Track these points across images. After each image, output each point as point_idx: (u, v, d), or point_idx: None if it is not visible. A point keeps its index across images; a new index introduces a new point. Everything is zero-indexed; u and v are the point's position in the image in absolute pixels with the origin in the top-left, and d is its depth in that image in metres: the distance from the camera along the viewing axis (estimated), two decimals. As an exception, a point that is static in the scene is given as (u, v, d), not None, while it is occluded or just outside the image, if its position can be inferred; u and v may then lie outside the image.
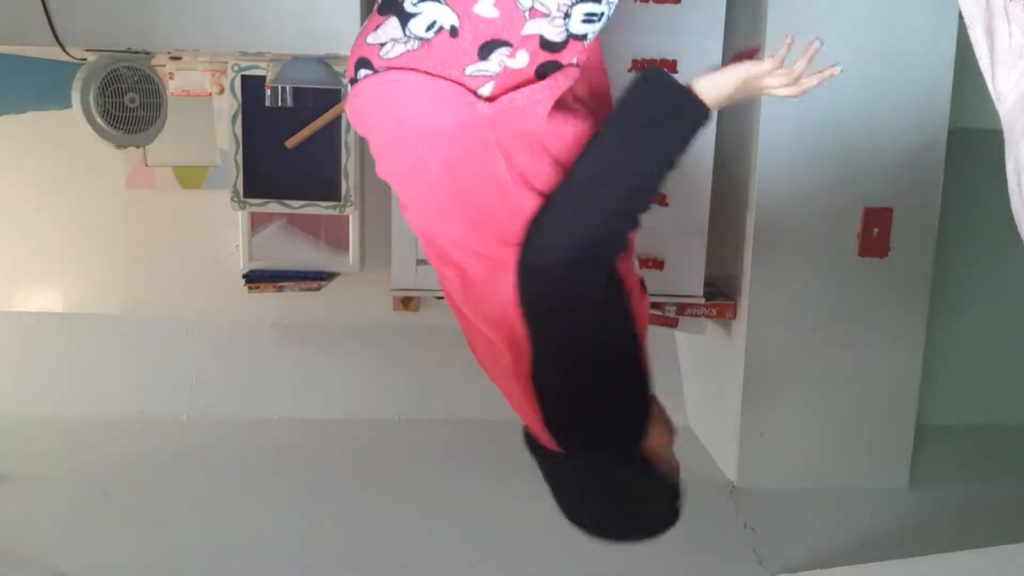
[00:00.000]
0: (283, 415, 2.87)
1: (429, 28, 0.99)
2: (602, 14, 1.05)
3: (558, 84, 1.04)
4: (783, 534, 2.24)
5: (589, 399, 1.08)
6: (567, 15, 1.01)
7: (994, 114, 1.05)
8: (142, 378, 2.88)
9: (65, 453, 2.59)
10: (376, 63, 1.03)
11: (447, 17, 0.98)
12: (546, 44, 1.02)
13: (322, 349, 2.91)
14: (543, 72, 1.03)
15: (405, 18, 1.00)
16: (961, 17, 1.07)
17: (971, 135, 2.44)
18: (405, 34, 1.00)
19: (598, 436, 1.13)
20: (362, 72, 1.05)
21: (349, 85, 1.09)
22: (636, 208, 1.04)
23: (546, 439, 1.14)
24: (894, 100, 2.32)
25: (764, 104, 2.33)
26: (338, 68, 2.41)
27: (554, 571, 2.09)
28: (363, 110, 1.07)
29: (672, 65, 2.34)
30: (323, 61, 2.25)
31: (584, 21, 1.03)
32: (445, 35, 0.99)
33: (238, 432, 2.76)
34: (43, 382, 2.86)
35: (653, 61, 2.33)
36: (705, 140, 2.39)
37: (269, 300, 2.84)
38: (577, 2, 1.01)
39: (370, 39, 1.04)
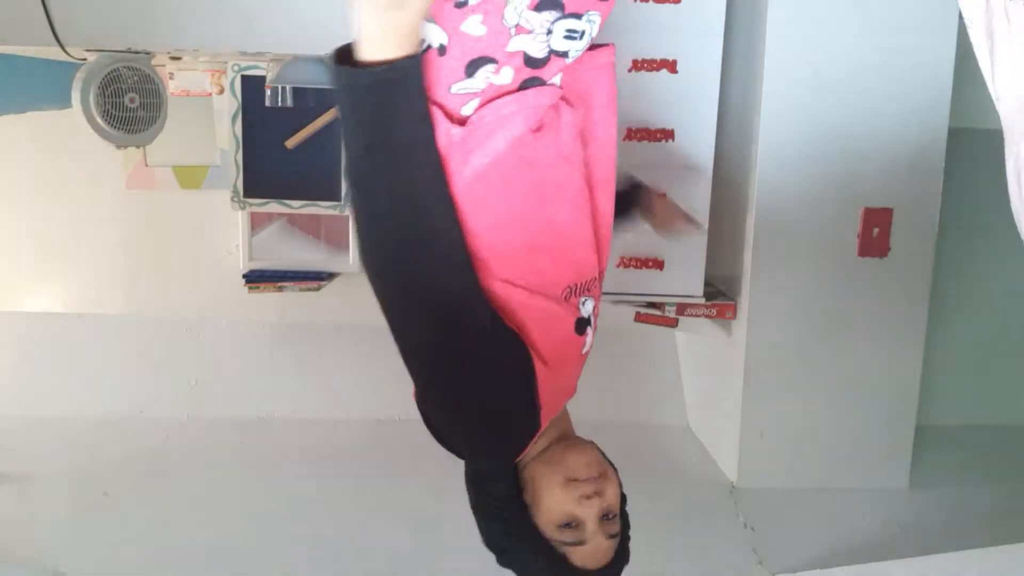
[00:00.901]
0: (283, 415, 2.87)
1: (420, 43, 0.96)
2: (583, 32, 1.05)
3: (526, 100, 1.03)
4: (783, 534, 2.24)
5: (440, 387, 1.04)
6: (549, 31, 1.01)
7: (994, 114, 1.05)
8: (142, 378, 2.88)
9: (65, 453, 2.59)
10: None
11: (436, 36, 0.98)
12: (530, 60, 1.02)
13: (322, 349, 2.91)
14: (526, 89, 1.04)
15: None
16: (961, 17, 1.07)
17: (971, 135, 2.44)
18: None
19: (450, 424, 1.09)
20: None
21: None
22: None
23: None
24: (894, 100, 2.32)
25: (764, 104, 2.33)
26: (338, 68, 2.41)
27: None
28: None
29: (672, 65, 2.34)
30: (323, 61, 2.26)
31: (566, 37, 1.03)
32: (434, 53, 0.98)
33: (238, 432, 2.76)
34: (43, 382, 2.86)
35: (653, 61, 2.34)
36: (705, 140, 2.39)
37: (269, 300, 2.84)
38: (559, 19, 1.01)
39: None
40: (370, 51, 0.86)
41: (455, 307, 0.97)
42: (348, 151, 0.92)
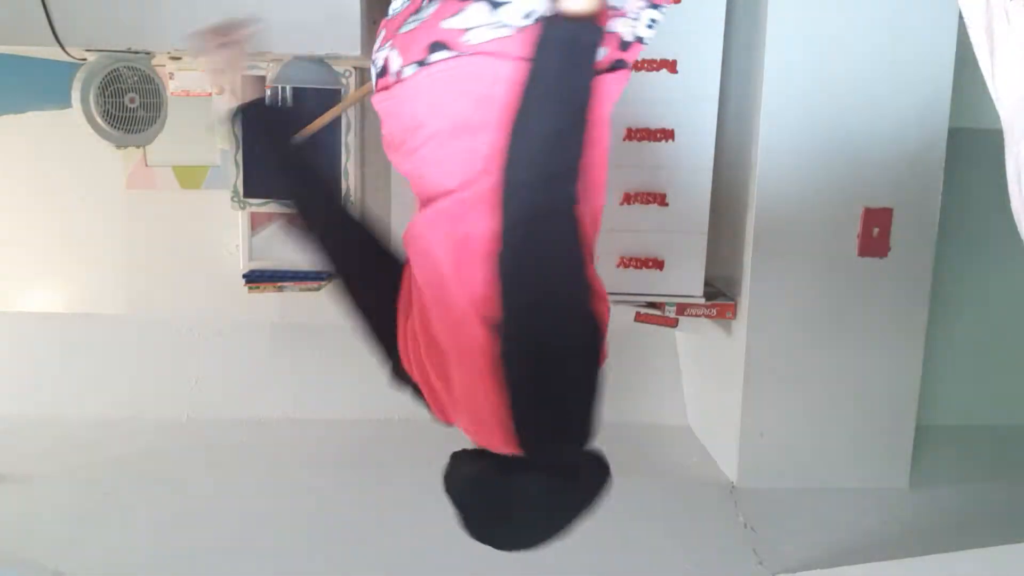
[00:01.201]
0: (283, 415, 2.87)
1: (527, 16, 1.01)
2: (657, 22, 1.13)
3: (618, 83, 1.11)
4: (783, 534, 2.24)
5: (559, 375, 1.02)
6: (637, 17, 1.10)
7: (994, 114, 1.05)
8: (142, 378, 2.88)
9: (65, 453, 2.59)
10: (457, 47, 1.03)
11: (544, 7, 0.99)
12: (622, 43, 1.10)
13: (322, 349, 2.91)
14: (612, 69, 1.10)
15: (495, 4, 1.02)
16: (961, 17, 1.07)
17: (971, 135, 2.44)
18: (496, 20, 1.01)
19: (564, 420, 1.06)
20: (439, 54, 1.04)
21: (414, 67, 1.06)
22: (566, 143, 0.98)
23: (502, 441, 1.07)
24: (894, 100, 2.32)
25: (764, 104, 2.33)
26: (338, 68, 2.42)
27: (553, 570, 2.09)
28: (431, 89, 1.06)
29: (672, 65, 2.34)
30: (323, 61, 2.25)
31: (648, 26, 1.11)
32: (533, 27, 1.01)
33: (238, 432, 2.76)
34: (43, 382, 2.86)
35: (653, 61, 2.34)
36: (705, 140, 2.40)
37: (269, 300, 2.84)
38: (647, 7, 1.10)
39: (447, 24, 1.04)
40: (583, 7, 0.92)
41: (579, 288, 1.01)
42: (547, 103, 0.94)
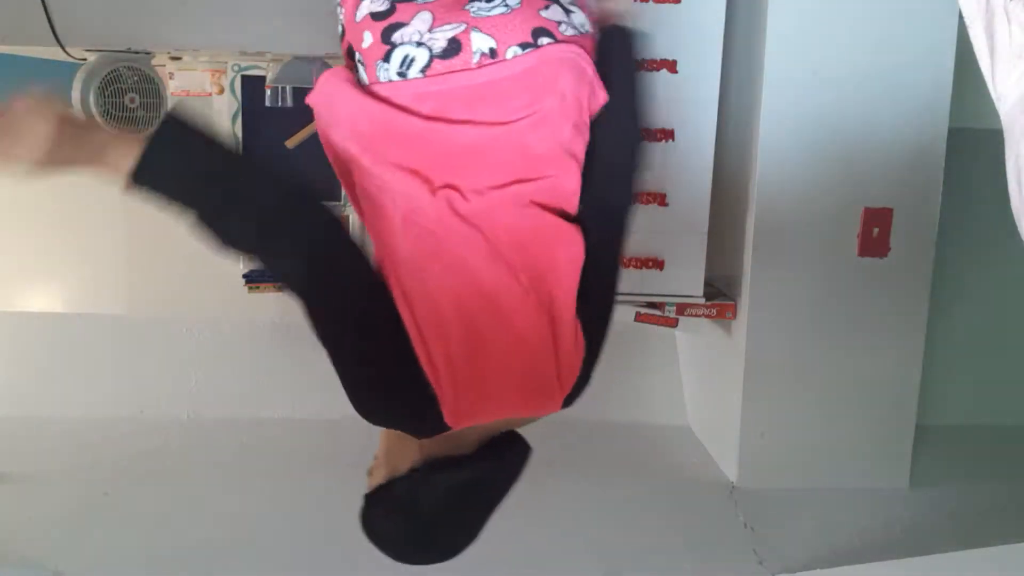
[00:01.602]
0: (283, 415, 2.87)
1: (582, 25, 1.22)
2: None
3: None
4: (783, 534, 2.24)
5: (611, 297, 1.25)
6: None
7: (994, 114, 1.05)
8: (142, 378, 2.88)
9: (65, 453, 2.59)
10: (558, 35, 1.18)
11: (585, 25, 1.23)
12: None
13: (322, 349, 2.90)
14: None
15: (566, 11, 1.20)
16: (961, 17, 1.07)
17: (971, 135, 2.44)
18: (571, 22, 1.20)
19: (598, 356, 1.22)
20: (545, 39, 1.17)
21: (517, 48, 1.15)
22: None
23: (557, 387, 1.15)
24: (894, 100, 2.32)
25: (764, 104, 2.33)
26: (338, 68, 2.41)
27: (552, 569, 2.09)
28: (546, 68, 1.17)
29: (672, 65, 2.34)
30: (323, 61, 2.25)
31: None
32: (588, 36, 1.23)
33: (238, 432, 2.76)
34: (43, 382, 2.86)
35: (653, 61, 2.34)
36: (705, 140, 2.39)
37: (269, 300, 2.83)
38: None
39: (545, 14, 1.18)
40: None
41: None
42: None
